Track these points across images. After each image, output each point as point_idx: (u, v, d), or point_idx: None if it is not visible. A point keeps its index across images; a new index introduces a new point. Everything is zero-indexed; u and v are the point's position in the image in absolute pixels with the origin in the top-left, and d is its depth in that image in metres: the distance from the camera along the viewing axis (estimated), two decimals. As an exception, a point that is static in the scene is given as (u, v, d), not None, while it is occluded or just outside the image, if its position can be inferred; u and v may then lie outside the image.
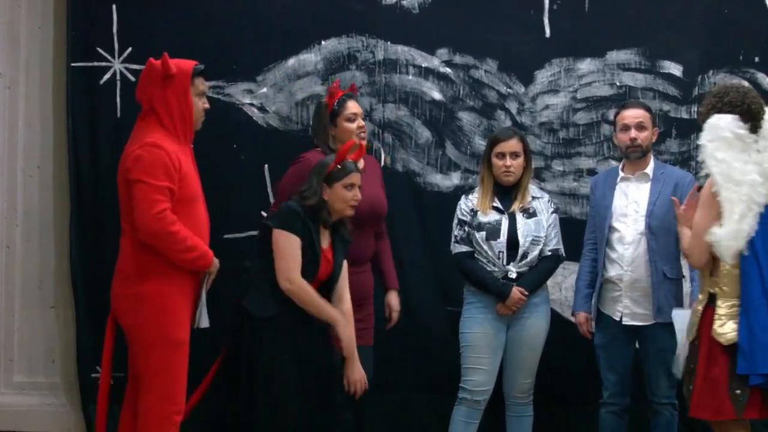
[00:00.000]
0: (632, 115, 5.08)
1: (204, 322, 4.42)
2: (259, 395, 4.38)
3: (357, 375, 4.62)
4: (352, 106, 4.90)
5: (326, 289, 4.61)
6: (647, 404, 5.16)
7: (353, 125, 4.87)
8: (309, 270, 4.50)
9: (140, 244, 4.26)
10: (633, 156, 5.11)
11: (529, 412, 5.22)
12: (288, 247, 4.46)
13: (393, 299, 5.13)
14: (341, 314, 4.56)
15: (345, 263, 4.67)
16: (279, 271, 4.45)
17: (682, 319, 4.59)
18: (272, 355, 4.39)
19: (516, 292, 5.02)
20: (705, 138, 4.33)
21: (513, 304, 5.04)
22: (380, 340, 5.09)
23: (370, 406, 4.96)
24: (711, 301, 4.34)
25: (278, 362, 4.40)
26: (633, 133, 5.06)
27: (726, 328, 4.29)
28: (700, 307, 4.37)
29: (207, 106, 4.45)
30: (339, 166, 4.56)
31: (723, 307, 4.32)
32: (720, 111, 4.35)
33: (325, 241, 4.60)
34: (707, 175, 4.37)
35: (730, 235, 4.25)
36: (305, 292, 4.47)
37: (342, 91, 4.92)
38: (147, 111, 4.35)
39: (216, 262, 4.40)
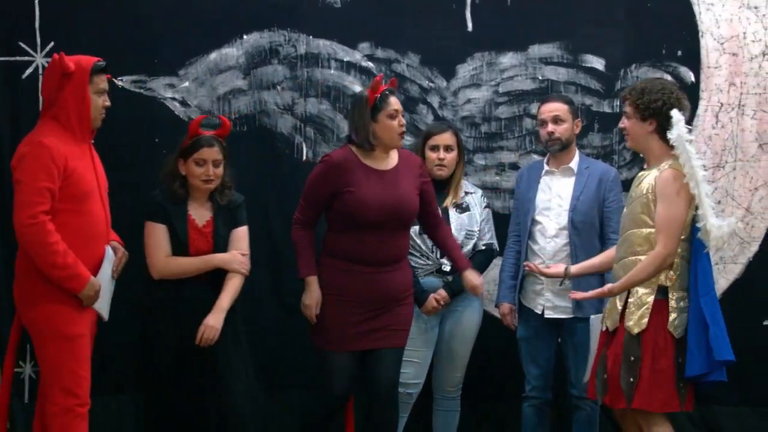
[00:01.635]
0: (549, 109, 5.10)
1: (105, 314, 4.42)
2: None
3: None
4: (394, 102, 4.71)
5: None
6: (569, 399, 5.15)
7: (395, 122, 4.68)
8: (179, 251, 4.59)
9: None
10: (553, 149, 5.11)
11: (456, 407, 5.25)
12: (150, 237, 4.59)
13: (468, 277, 4.87)
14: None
15: (244, 229, 4.73)
16: (148, 265, 4.59)
17: (599, 324, 4.58)
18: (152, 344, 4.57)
19: (431, 300, 5.05)
20: (678, 131, 4.32)
21: (427, 312, 5.05)
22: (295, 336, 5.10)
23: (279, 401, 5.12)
24: (661, 293, 4.33)
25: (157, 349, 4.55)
26: (550, 127, 5.07)
27: (678, 321, 4.31)
28: (649, 299, 4.33)
29: (107, 103, 4.41)
30: (191, 142, 4.60)
31: (675, 300, 4.33)
32: (672, 106, 4.36)
33: (204, 217, 4.65)
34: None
35: (723, 227, 4.30)
36: (176, 266, 4.56)
37: (384, 86, 4.73)
38: (46, 108, 4.35)
39: (93, 284, 4.27)
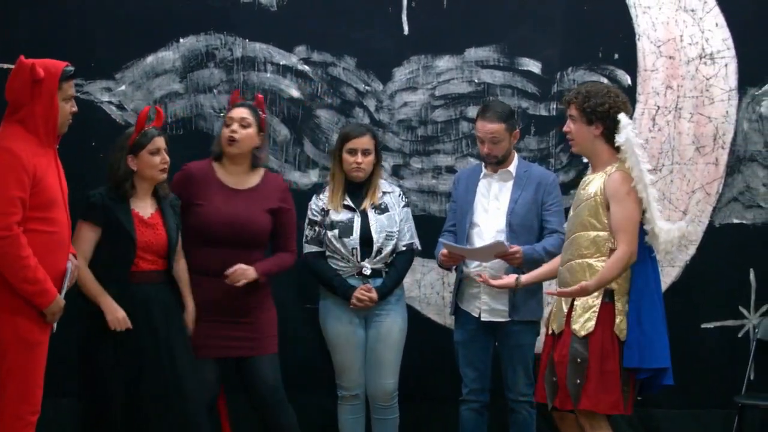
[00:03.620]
0: (485, 130, 5.04)
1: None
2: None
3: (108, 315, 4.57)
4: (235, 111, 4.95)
5: (170, 259, 4.69)
6: (506, 401, 5.14)
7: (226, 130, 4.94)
8: (126, 247, 4.56)
9: None
10: (490, 164, 5.11)
11: (394, 413, 5.21)
12: (77, 236, 4.57)
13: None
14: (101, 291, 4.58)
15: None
16: None
17: None
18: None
19: (359, 291, 5.02)
20: (626, 136, 4.32)
21: (354, 305, 5.04)
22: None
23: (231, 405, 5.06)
24: (608, 297, 4.34)
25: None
26: (486, 148, 5.06)
27: (623, 324, 4.32)
28: (596, 302, 4.34)
29: (75, 109, 4.36)
30: (140, 135, 4.60)
31: (620, 303, 4.34)
32: (619, 110, 4.36)
33: (148, 210, 4.66)
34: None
35: (672, 231, 4.33)
36: (81, 276, 4.51)
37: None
38: (12, 110, 4.26)
39: (58, 302, 4.22)
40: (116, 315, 4.52)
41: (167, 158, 4.66)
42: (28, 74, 4.19)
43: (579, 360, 4.31)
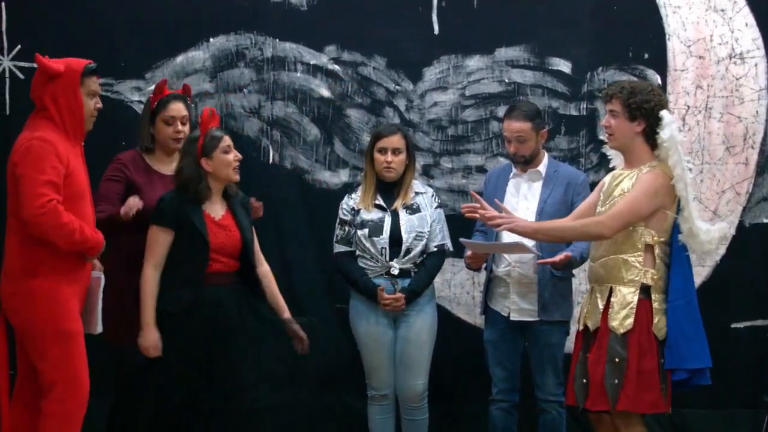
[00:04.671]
0: (512, 128, 5.04)
1: (99, 327, 4.43)
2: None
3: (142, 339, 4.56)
4: (174, 109, 4.82)
5: (246, 260, 4.64)
6: (535, 402, 5.14)
7: (170, 129, 4.82)
8: (199, 250, 4.54)
9: (28, 241, 4.23)
10: (518, 163, 5.11)
11: (423, 414, 5.20)
12: (148, 240, 4.55)
13: None
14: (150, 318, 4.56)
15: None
16: None
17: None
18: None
19: (381, 296, 5.02)
20: (670, 133, 4.34)
21: (384, 305, 5.04)
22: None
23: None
24: (644, 293, 4.34)
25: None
26: (513, 147, 5.06)
27: (661, 323, 4.32)
28: (633, 299, 4.33)
29: (99, 105, 4.43)
30: (208, 137, 4.58)
31: (657, 301, 4.33)
32: (662, 107, 4.37)
33: (219, 212, 4.64)
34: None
35: (711, 231, 4.36)
36: (144, 283, 4.53)
37: (170, 91, 4.86)
38: (39, 108, 4.33)
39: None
40: (147, 344, 4.52)
41: (239, 155, 4.65)
42: (46, 70, 4.27)
43: (617, 359, 4.31)
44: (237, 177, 4.65)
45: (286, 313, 4.77)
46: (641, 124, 4.39)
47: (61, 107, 4.28)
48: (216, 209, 4.64)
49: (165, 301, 4.53)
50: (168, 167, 4.83)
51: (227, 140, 4.62)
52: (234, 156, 4.62)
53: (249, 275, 4.67)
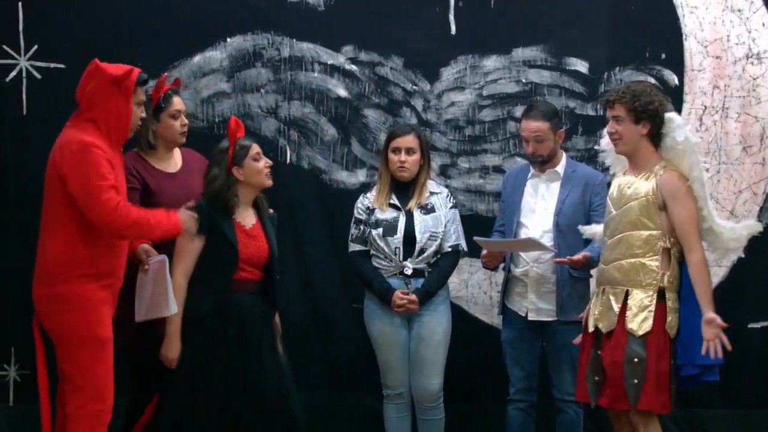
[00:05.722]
0: (530, 128, 5.05)
1: (173, 308, 4.45)
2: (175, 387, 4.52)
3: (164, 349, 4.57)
4: (177, 102, 4.82)
5: (270, 270, 4.65)
6: (553, 401, 5.14)
7: (176, 122, 4.80)
8: (229, 258, 4.55)
9: (66, 243, 4.23)
10: (536, 164, 5.11)
11: (439, 414, 5.20)
12: (179, 247, 4.55)
13: None
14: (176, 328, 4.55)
15: None
16: None
17: None
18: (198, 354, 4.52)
19: (397, 296, 5.02)
20: (684, 134, 4.35)
21: (397, 308, 5.04)
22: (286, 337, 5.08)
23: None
24: (660, 295, 4.36)
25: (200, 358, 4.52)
26: (531, 146, 5.06)
27: (674, 322, 4.34)
28: (651, 301, 4.35)
29: (143, 115, 4.43)
30: (237, 146, 4.59)
31: (671, 300, 4.36)
32: (666, 109, 4.38)
33: (249, 221, 4.65)
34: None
35: (736, 230, 4.39)
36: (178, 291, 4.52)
37: (168, 85, 4.84)
38: (83, 111, 4.30)
39: (185, 214, 4.42)
40: (170, 355, 4.53)
41: (269, 161, 4.67)
42: (108, 76, 4.26)
43: (636, 360, 4.32)
44: (270, 182, 4.66)
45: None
46: (646, 126, 4.40)
47: (110, 113, 4.26)
48: (247, 218, 4.65)
49: (190, 307, 4.53)
50: (168, 164, 4.83)
51: (256, 147, 4.63)
52: (264, 162, 4.63)
53: (270, 284, 4.68)
